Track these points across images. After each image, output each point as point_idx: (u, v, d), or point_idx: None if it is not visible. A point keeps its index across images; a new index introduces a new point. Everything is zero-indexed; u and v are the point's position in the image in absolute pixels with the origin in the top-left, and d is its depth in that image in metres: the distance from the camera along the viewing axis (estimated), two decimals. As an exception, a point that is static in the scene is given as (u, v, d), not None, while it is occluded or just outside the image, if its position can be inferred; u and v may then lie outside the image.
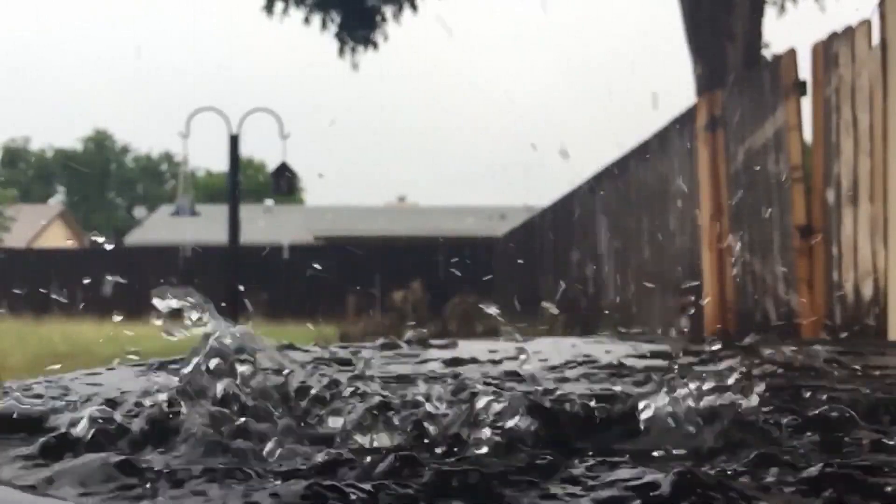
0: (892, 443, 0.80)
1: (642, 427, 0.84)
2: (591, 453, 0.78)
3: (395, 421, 0.84)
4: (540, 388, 1.03)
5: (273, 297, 19.22)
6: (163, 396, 0.89)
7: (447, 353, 1.54)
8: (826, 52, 5.29)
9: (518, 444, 0.78)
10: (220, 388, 0.88)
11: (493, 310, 1.15)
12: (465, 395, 0.95)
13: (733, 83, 7.21)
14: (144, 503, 0.63)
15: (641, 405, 0.86)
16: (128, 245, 31.71)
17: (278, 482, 0.65)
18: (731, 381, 0.90)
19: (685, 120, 7.77)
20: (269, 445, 0.75)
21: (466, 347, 1.66)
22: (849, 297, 5.06)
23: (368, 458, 0.70)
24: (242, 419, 0.82)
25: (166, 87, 77.67)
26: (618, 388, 1.03)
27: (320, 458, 0.71)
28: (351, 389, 0.97)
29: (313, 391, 0.96)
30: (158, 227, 32.31)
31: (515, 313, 16.21)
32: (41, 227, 37.40)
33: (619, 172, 10.16)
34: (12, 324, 14.36)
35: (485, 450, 0.76)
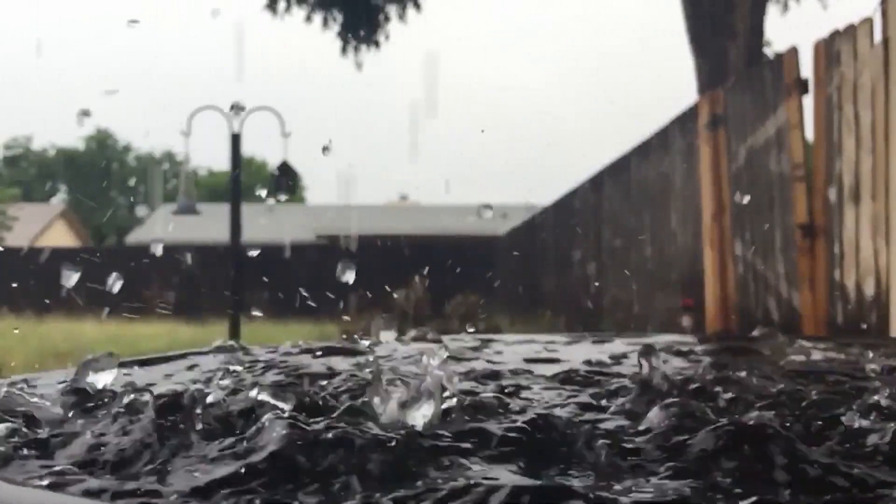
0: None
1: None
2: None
3: None
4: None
5: (274, 296, 19.22)
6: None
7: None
8: (828, 50, 5.29)
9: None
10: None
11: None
12: None
13: (735, 81, 7.21)
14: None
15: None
16: (129, 244, 31.73)
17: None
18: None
19: (686, 118, 7.76)
20: None
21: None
22: (850, 295, 5.05)
23: None
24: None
25: (167, 86, 77.65)
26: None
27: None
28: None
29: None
30: (160, 227, 32.30)
31: (516, 311, 16.22)
32: (44, 225, 37.43)
33: (621, 171, 10.16)
34: (13, 322, 14.37)
35: None
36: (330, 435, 0.71)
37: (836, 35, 5.21)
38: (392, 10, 14.04)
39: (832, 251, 5.28)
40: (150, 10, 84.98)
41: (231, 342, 1.50)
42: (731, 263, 6.79)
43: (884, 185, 4.73)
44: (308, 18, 13.93)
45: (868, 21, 4.93)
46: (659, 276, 8.58)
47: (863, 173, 4.92)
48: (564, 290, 12.94)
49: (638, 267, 9.27)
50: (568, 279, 12.74)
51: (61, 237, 38.25)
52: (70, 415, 0.92)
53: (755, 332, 1.58)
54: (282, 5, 13.83)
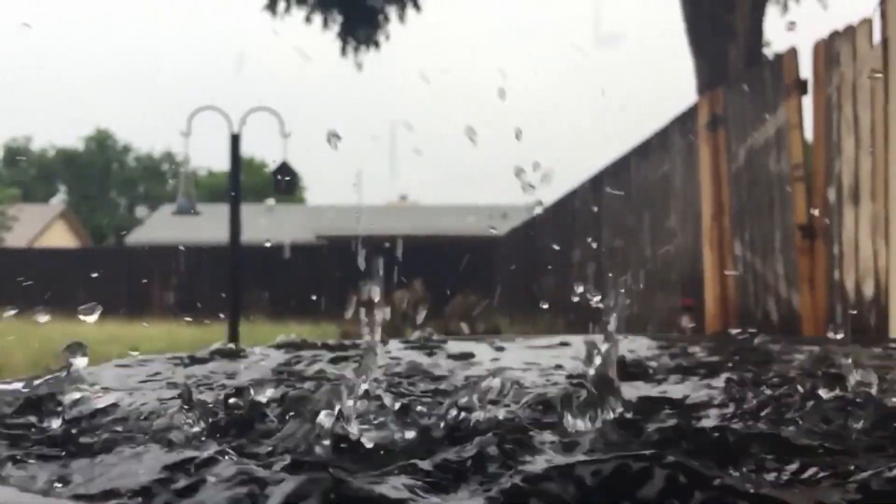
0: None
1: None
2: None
3: None
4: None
5: (274, 296, 19.23)
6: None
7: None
8: (827, 51, 5.29)
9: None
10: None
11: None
12: None
13: (734, 82, 7.21)
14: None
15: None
16: (129, 245, 31.73)
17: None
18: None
19: (686, 118, 7.76)
20: None
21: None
22: (850, 295, 5.06)
23: None
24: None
25: (167, 86, 77.67)
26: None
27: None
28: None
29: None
30: (160, 227, 32.32)
31: (516, 311, 16.23)
32: (44, 226, 37.44)
33: (620, 171, 10.16)
34: (13, 322, 14.36)
35: None
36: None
37: (835, 35, 5.22)
38: (392, 10, 14.05)
39: (831, 251, 5.28)
40: (150, 10, 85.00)
41: (230, 345, 1.50)
42: (730, 264, 6.79)
43: (883, 186, 4.73)
44: (308, 19, 13.94)
45: (867, 21, 4.93)
46: (659, 276, 8.58)
47: (862, 174, 4.93)
48: (564, 290, 12.93)
49: (638, 267, 9.27)
50: (568, 279, 12.74)
51: (61, 238, 38.26)
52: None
53: (756, 340, 1.59)
54: (281, 6, 13.85)
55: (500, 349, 1.67)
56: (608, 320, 0.98)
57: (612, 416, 0.90)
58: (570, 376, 1.19)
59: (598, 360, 0.96)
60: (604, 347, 0.96)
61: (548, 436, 0.85)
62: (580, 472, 0.63)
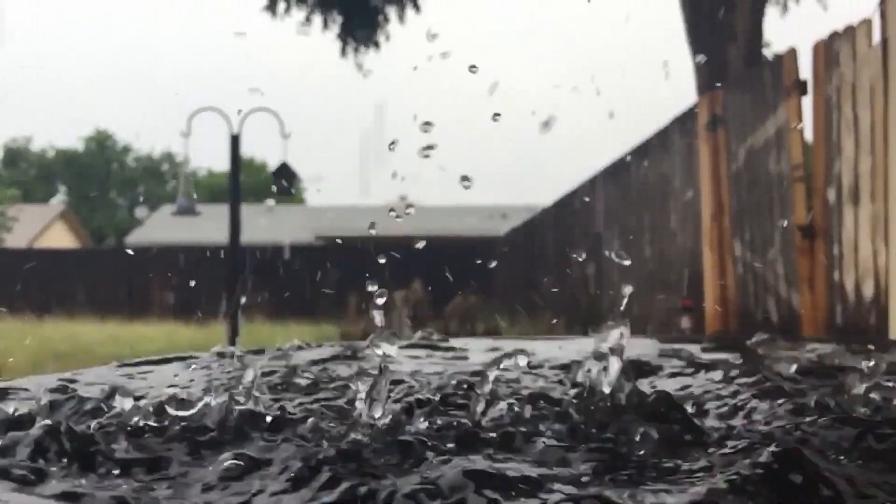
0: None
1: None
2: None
3: None
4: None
5: (274, 297, 19.21)
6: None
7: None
8: (827, 51, 5.29)
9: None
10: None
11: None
12: None
13: (734, 82, 7.21)
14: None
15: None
16: (129, 245, 31.74)
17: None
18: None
19: (686, 118, 7.77)
20: None
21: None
22: (850, 296, 5.05)
23: None
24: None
25: (167, 87, 77.64)
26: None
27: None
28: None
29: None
30: (160, 227, 32.31)
31: (516, 312, 16.21)
32: (43, 226, 37.43)
33: (620, 171, 10.16)
34: (13, 323, 14.37)
35: None
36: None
37: (835, 36, 5.22)
38: (391, 11, 14.05)
39: (831, 252, 5.28)
40: (150, 10, 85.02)
41: (231, 347, 1.49)
42: (730, 264, 6.79)
43: (883, 186, 4.73)
44: (308, 20, 13.94)
45: (867, 22, 4.93)
46: (659, 276, 8.58)
47: (862, 174, 4.93)
48: (564, 291, 12.93)
49: (638, 267, 9.27)
50: (568, 279, 12.74)
51: (61, 238, 38.25)
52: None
53: (754, 339, 1.59)
54: (281, 6, 13.85)
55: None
56: (616, 324, 0.97)
57: (618, 417, 0.89)
58: (575, 380, 1.19)
59: (606, 362, 0.95)
60: (612, 350, 0.96)
61: (552, 437, 0.84)
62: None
